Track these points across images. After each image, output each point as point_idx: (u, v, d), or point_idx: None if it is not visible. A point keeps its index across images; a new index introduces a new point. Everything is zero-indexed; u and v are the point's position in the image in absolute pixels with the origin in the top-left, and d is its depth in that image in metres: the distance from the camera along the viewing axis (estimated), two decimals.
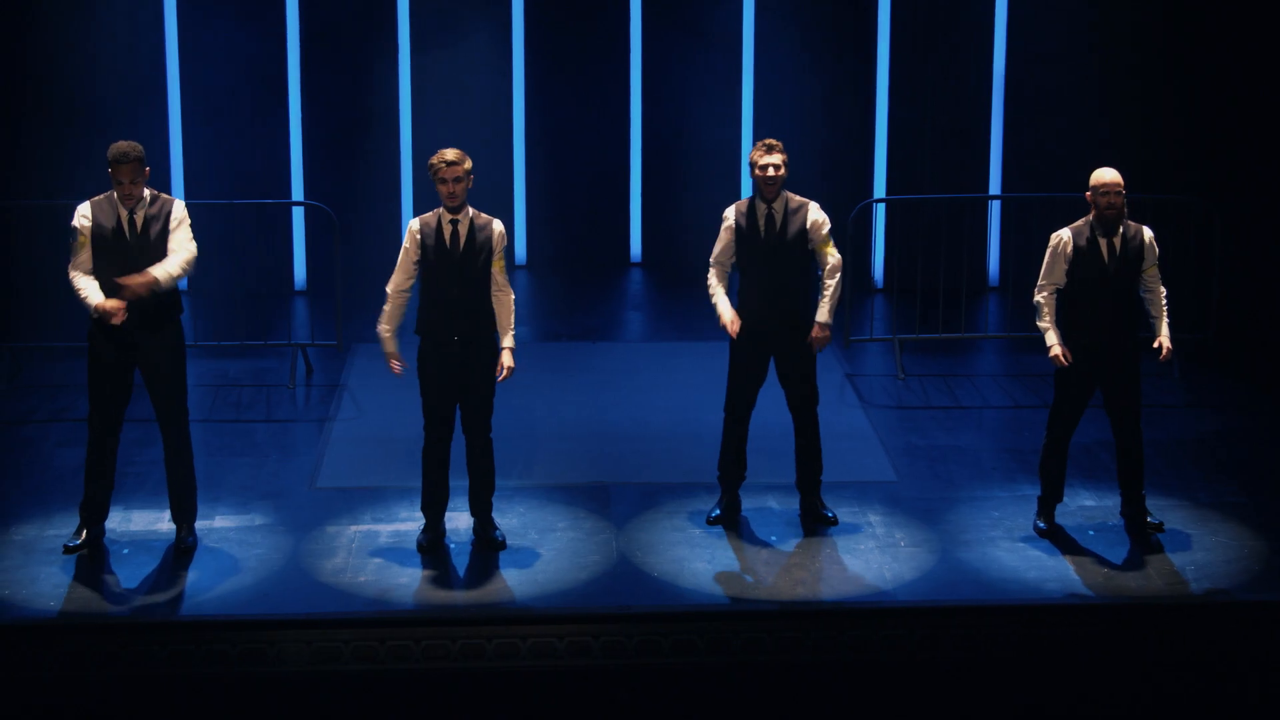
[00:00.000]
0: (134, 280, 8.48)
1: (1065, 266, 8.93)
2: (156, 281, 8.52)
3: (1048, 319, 8.98)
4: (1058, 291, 8.98)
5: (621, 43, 14.20)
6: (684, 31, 14.17)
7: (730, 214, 9.10)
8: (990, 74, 13.96)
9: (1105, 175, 8.89)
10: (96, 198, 8.71)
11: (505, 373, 8.82)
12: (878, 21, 13.91)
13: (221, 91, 13.68)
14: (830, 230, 9.06)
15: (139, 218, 8.65)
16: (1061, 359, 8.91)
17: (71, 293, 8.65)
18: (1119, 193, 8.84)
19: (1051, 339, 8.94)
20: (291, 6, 13.70)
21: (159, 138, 13.59)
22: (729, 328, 9.01)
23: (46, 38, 13.41)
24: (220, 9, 13.63)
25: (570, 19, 14.17)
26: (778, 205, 9.01)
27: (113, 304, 8.47)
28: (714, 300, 9.09)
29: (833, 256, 9.08)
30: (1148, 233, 9.00)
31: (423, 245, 8.71)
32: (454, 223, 8.72)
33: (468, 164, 8.69)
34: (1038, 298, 9.01)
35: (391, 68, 13.97)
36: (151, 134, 13.45)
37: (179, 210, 8.76)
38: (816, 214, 9.05)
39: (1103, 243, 8.90)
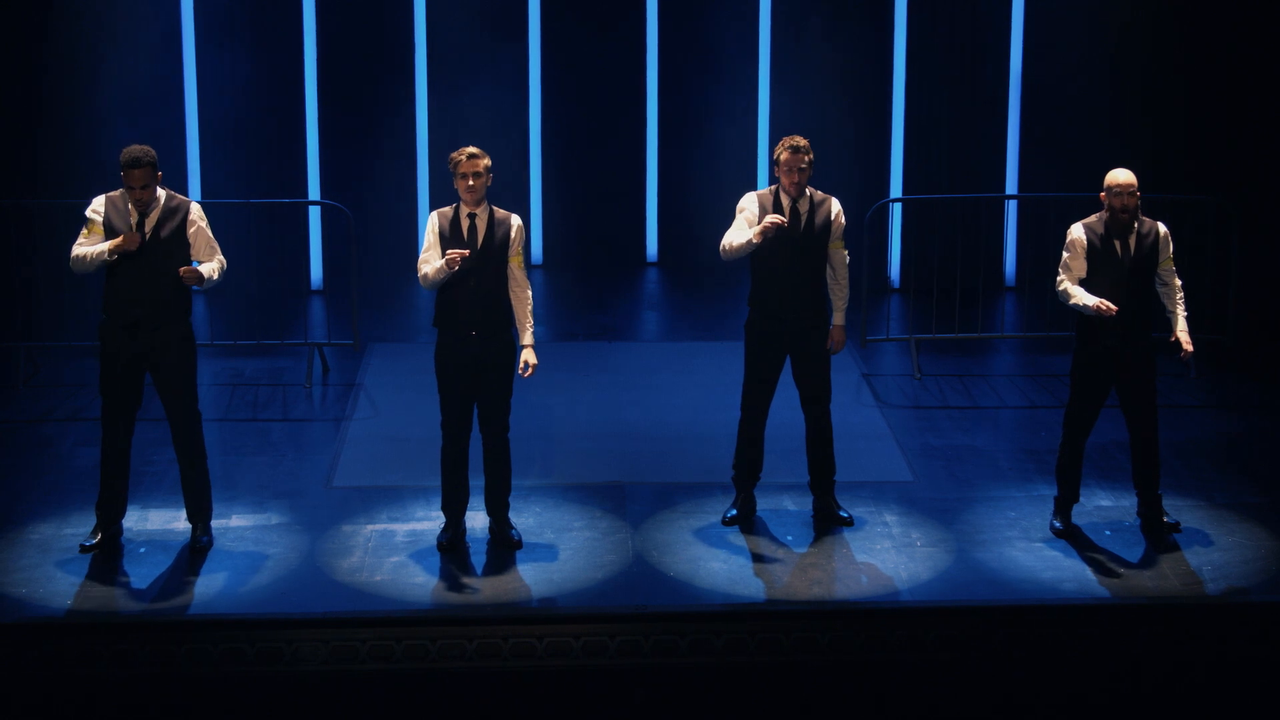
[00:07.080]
0: (188, 270, 8.59)
1: (1084, 261, 8.90)
2: (202, 278, 8.64)
3: (1077, 293, 8.79)
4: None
5: (638, 40, 14.19)
6: (701, 29, 14.16)
7: (752, 202, 8.94)
8: (1007, 73, 13.94)
9: (1119, 176, 8.84)
10: (112, 194, 8.70)
11: (529, 370, 8.83)
12: (894, 20, 13.89)
13: (238, 90, 13.69)
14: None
15: (150, 220, 8.63)
16: (1108, 307, 8.64)
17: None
18: (1133, 194, 8.80)
19: (1089, 299, 8.72)
20: (309, 6, 13.71)
21: (176, 136, 13.62)
22: (777, 218, 8.68)
23: (64, 37, 13.43)
24: (238, 8, 13.65)
25: (588, 18, 14.17)
26: (802, 200, 8.99)
27: (125, 237, 8.52)
28: (743, 238, 8.76)
29: (845, 254, 9.06)
30: (1162, 228, 8.96)
31: (441, 238, 8.73)
32: (472, 216, 8.72)
33: (487, 160, 8.69)
34: (1064, 286, 8.88)
35: (408, 66, 13.98)
36: (169, 132, 13.48)
37: (195, 213, 8.75)
38: (839, 209, 9.03)
39: (1117, 241, 8.87)
